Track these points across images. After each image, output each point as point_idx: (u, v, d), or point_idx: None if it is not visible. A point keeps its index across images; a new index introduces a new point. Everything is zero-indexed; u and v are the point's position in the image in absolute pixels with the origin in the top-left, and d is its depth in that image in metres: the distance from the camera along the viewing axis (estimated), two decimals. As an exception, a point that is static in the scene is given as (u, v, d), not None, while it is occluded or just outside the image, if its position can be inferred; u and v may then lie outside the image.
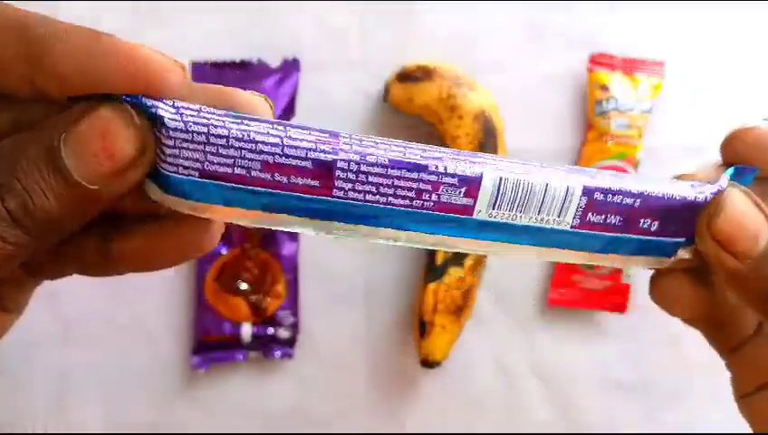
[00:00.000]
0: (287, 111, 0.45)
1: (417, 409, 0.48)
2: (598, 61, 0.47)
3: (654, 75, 0.47)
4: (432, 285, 0.44)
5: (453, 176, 0.18)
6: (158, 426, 0.47)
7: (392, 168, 0.18)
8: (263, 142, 0.17)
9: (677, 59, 0.47)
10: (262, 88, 0.45)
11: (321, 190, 0.18)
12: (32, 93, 0.17)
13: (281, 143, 0.17)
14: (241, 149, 0.17)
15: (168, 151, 0.17)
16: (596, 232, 0.20)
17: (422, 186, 0.18)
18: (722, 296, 0.23)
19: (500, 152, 0.44)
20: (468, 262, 0.44)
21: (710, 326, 0.24)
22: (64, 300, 0.45)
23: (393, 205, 0.18)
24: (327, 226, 0.19)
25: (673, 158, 0.48)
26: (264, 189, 0.18)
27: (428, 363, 0.45)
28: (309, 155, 0.17)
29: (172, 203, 0.18)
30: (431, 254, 0.45)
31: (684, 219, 0.20)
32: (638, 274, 0.47)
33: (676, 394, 0.49)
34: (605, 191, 0.19)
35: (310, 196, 0.18)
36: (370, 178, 0.18)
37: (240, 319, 0.46)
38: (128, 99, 0.17)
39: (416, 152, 0.18)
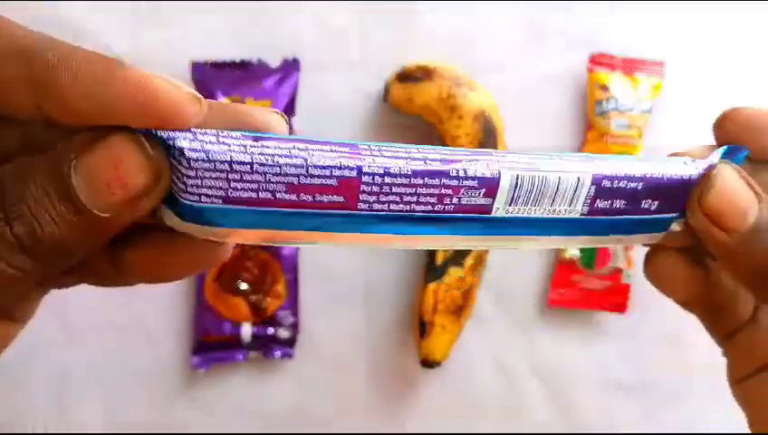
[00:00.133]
0: (287, 111, 0.45)
1: (417, 409, 0.48)
2: (598, 61, 0.47)
3: (654, 75, 0.47)
4: (432, 285, 0.44)
5: (473, 178, 0.19)
6: (158, 426, 0.47)
7: (415, 177, 0.18)
8: (287, 165, 0.17)
9: (677, 59, 0.47)
10: (262, 88, 0.45)
11: (347, 205, 0.18)
12: (39, 117, 0.16)
13: (305, 164, 0.17)
14: (265, 173, 0.17)
15: (190, 182, 0.17)
16: (602, 217, 0.21)
17: (444, 191, 0.19)
18: (716, 278, 0.23)
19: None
20: (468, 262, 0.44)
21: (706, 311, 0.24)
22: (65, 300, 0.45)
23: (416, 211, 0.19)
24: (351, 238, 0.19)
25: (673, 158, 0.48)
26: (289, 210, 0.18)
27: (428, 363, 0.45)
28: (333, 173, 0.17)
29: (190, 230, 0.18)
30: (431, 254, 0.45)
31: (679, 196, 0.21)
32: (638, 274, 0.47)
33: (676, 394, 0.49)
34: (612, 178, 0.20)
35: (335, 211, 0.18)
36: (394, 189, 0.18)
37: (240, 319, 0.46)
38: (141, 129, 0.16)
39: (435, 157, 0.19)
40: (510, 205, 0.20)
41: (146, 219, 0.18)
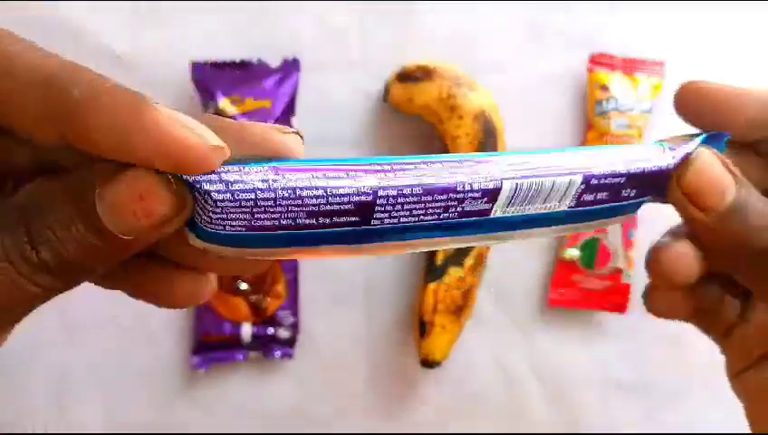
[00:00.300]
0: (287, 112, 0.45)
1: (418, 409, 0.48)
2: (598, 61, 0.47)
3: (654, 75, 0.47)
4: (432, 285, 0.44)
5: (477, 191, 0.20)
6: (158, 426, 0.47)
7: (425, 194, 0.19)
8: (308, 196, 0.18)
9: (677, 59, 0.47)
10: (262, 88, 0.45)
11: (361, 223, 0.19)
12: (61, 145, 0.16)
13: (325, 194, 0.18)
14: (288, 205, 0.18)
15: (216, 217, 0.18)
16: (586, 208, 0.22)
17: (450, 203, 0.20)
18: (703, 289, 0.25)
19: (500, 152, 0.44)
20: (468, 262, 0.44)
21: (699, 318, 0.26)
22: (65, 300, 0.45)
23: (423, 221, 0.20)
24: (358, 249, 0.20)
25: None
26: (307, 232, 0.19)
27: (428, 363, 0.45)
28: (351, 199, 0.18)
29: (211, 249, 0.19)
30: (431, 254, 0.45)
31: (655, 182, 0.22)
32: (638, 274, 0.47)
33: (676, 394, 0.49)
34: (599, 176, 0.21)
35: (349, 229, 0.19)
36: (406, 206, 0.19)
37: (240, 319, 0.46)
38: None
39: (443, 173, 0.19)
40: (508, 207, 0.21)
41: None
